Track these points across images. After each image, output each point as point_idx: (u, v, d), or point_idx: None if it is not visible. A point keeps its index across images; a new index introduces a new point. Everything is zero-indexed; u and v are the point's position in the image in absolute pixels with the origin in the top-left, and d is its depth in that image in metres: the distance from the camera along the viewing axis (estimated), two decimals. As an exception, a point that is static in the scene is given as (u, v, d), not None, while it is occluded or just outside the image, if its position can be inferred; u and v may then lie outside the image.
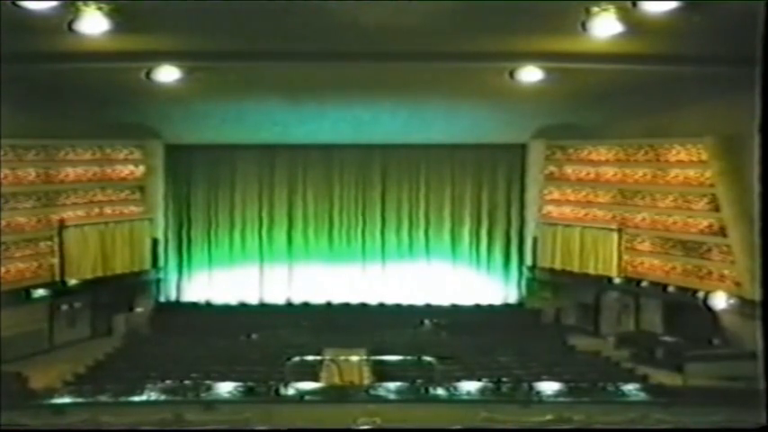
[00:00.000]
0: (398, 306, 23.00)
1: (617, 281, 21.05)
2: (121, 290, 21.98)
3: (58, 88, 17.93)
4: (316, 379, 14.48)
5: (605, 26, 12.73)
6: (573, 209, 22.15)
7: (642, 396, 12.28)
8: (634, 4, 11.80)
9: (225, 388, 12.29)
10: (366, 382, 14.68)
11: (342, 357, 16.00)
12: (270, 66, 16.55)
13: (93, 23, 12.28)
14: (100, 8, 11.99)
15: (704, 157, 18.77)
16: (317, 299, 23.15)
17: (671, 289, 19.72)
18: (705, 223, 18.89)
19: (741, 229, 17.85)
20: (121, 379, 14.66)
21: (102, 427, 7.46)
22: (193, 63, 16.18)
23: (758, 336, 3.66)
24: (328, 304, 22.99)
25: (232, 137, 22.48)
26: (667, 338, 18.99)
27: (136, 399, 11.61)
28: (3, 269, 18.67)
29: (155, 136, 22.18)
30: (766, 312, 3.60)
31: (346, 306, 22.94)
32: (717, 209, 18.49)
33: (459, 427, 8.99)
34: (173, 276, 23.65)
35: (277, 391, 12.05)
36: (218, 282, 23.70)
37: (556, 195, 22.54)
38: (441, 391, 12.22)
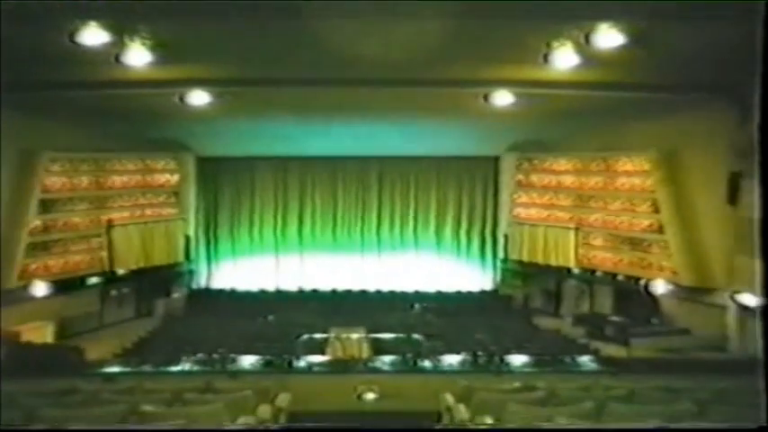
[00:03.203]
0: (392, 292, 23.10)
1: (575, 271, 21.11)
2: (160, 279, 22.07)
3: (107, 110, 18.01)
4: (322, 353, 14.49)
5: (564, 58, 12.87)
6: (538, 211, 22.21)
7: (594, 366, 12.34)
8: (587, 41, 11.91)
9: (247, 361, 12.33)
10: (365, 356, 14.68)
11: (344, 335, 16.01)
12: (284, 90, 16.59)
13: (137, 56, 12.42)
14: (144, 43, 12.10)
15: (647, 167, 18.89)
16: (324, 286, 23.25)
17: (619, 277, 19.82)
18: (647, 223, 18.98)
19: (676, 228, 18.04)
20: (161, 352, 14.70)
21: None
22: (220, 88, 16.25)
23: (758, 336, 3.42)
24: (333, 291, 23.08)
25: (252, 150, 22.70)
26: (616, 318, 19.12)
27: (173, 369, 11.68)
28: (62, 261, 18.88)
29: (187, 149, 22.30)
30: (766, 312, 3.40)
31: (348, 292, 23.04)
32: (657, 211, 18.62)
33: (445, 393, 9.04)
34: (202, 267, 23.78)
35: (290, 363, 12.08)
36: (240, 272, 23.84)
37: (524, 199, 22.59)
38: (427, 364, 12.25)
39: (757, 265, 3.57)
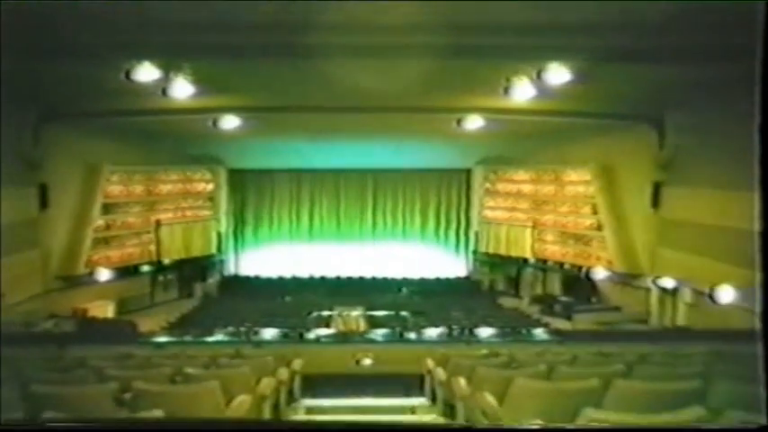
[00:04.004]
0: (384, 278, 22.99)
1: (531, 261, 21.19)
2: (198, 267, 22.04)
3: (155, 132, 18.13)
4: (328, 327, 14.51)
5: (521, 91, 12.92)
6: (502, 212, 22.23)
7: (546, 336, 12.35)
8: (539, 77, 11.97)
9: (268, 333, 12.27)
10: (362, 329, 14.67)
11: (346, 313, 16.04)
12: (298, 116, 16.66)
13: (181, 89, 12.44)
14: (186, 78, 12.13)
15: (588, 178, 19.02)
16: (329, 273, 23.15)
17: (566, 266, 19.94)
18: (588, 222, 19.12)
19: (611, 226, 18.17)
20: (199, 326, 14.70)
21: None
22: (247, 114, 16.34)
23: (758, 335, 2.85)
24: (337, 277, 22.99)
25: (272, 163, 22.67)
26: (563, 298, 19.21)
27: (209, 339, 11.65)
28: (120, 252, 19.06)
29: (220, 163, 22.27)
30: (767, 311, 2.81)
31: (349, 278, 22.92)
32: (596, 213, 18.77)
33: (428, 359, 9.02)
34: (231, 258, 23.68)
35: (302, 335, 12.07)
36: (262, 261, 23.75)
37: (491, 203, 22.61)
38: (412, 335, 12.22)
39: (757, 276, 2.85)
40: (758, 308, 2.79)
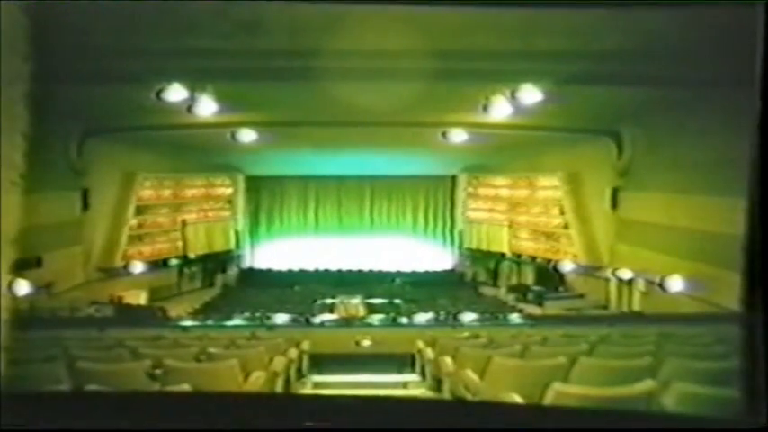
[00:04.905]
0: (380, 270, 22.82)
1: (507, 255, 21.15)
2: (219, 261, 21.93)
3: (182, 144, 18.05)
4: (332, 313, 14.54)
5: (498, 108, 12.92)
6: (483, 213, 22.20)
7: (520, 321, 12.42)
8: (513, 96, 12.01)
9: (280, 318, 12.32)
10: (361, 315, 14.70)
11: (347, 300, 16.04)
12: (305, 129, 16.64)
13: (205, 107, 12.40)
14: (210, 97, 12.13)
15: (557, 183, 19.01)
16: (332, 266, 23.02)
17: (538, 260, 19.90)
18: (557, 222, 19.10)
19: (577, 225, 18.18)
20: (220, 312, 14.74)
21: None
22: (262, 128, 16.32)
23: (758, 336, 2.55)
24: (339, 269, 22.85)
25: (282, 171, 22.57)
26: (535, 288, 19.11)
27: (228, 323, 11.70)
28: (151, 248, 19.05)
29: (238, 170, 22.16)
30: (767, 310, 2.56)
31: (349, 270, 22.74)
32: (563, 213, 18.76)
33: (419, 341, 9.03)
34: (248, 253, 23.53)
35: (309, 320, 12.11)
36: (274, 256, 23.61)
37: (473, 205, 22.56)
38: (405, 320, 12.28)
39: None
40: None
